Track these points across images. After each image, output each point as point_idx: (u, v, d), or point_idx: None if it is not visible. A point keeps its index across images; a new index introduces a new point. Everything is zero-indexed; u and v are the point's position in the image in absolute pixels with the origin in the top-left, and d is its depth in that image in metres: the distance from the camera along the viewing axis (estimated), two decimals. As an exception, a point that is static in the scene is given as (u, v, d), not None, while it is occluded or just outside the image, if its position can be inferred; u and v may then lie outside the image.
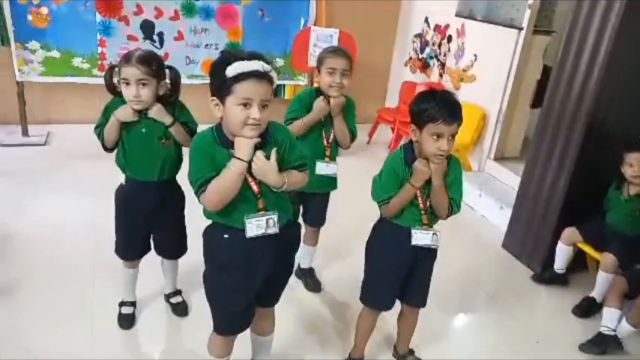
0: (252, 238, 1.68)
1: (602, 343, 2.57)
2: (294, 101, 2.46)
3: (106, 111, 2.10)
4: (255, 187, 1.67)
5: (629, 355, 2.61)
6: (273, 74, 1.60)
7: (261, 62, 1.56)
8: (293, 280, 2.77)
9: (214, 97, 1.60)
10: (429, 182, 1.91)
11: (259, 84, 1.54)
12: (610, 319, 2.57)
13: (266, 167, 1.62)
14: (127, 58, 1.99)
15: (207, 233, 1.77)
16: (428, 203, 1.95)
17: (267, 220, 1.69)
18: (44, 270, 2.72)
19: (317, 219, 2.68)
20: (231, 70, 1.53)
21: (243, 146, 1.60)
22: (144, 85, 1.99)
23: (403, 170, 1.93)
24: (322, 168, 2.47)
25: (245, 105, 1.55)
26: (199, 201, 1.65)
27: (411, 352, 2.36)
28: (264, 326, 2.03)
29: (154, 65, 2.01)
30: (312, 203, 2.58)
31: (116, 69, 2.05)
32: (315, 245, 2.80)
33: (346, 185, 2.68)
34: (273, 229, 1.71)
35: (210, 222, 1.76)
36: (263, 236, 1.69)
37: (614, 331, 2.56)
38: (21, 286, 2.57)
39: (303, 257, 2.82)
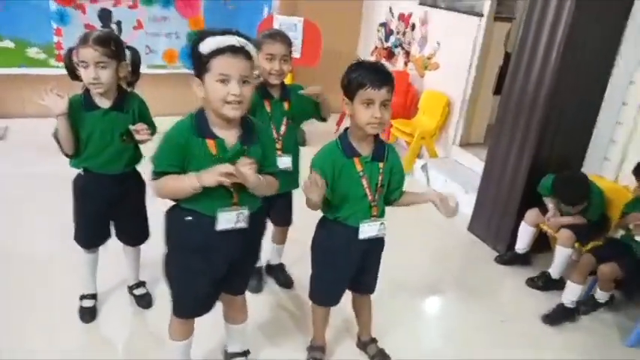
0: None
1: (565, 314, 2.71)
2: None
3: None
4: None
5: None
6: (250, 48, 1.55)
7: (236, 37, 1.53)
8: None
9: (195, 77, 1.57)
10: (376, 173, 1.88)
11: (235, 58, 1.51)
12: (573, 293, 2.69)
13: (248, 173, 1.56)
14: (83, 39, 1.93)
15: (170, 213, 1.73)
16: (376, 195, 1.90)
17: (237, 215, 1.68)
18: (1, 263, 2.62)
19: (283, 219, 2.59)
20: (205, 47, 1.51)
21: (210, 177, 1.53)
22: (103, 67, 1.94)
23: (341, 161, 1.86)
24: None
25: (223, 81, 1.52)
26: (151, 184, 1.63)
27: (373, 340, 2.32)
28: (234, 315, 2.01)
29: (112, 45, 1.95)
30: (276, 204, 2.43)
31: (75, 51, 1.97)
32: (283, 243, 2.72)
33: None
34: (242, 224, 1.69)
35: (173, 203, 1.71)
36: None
37: (576, 303, 2.70)
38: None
39: (272, 255, 2.76)
